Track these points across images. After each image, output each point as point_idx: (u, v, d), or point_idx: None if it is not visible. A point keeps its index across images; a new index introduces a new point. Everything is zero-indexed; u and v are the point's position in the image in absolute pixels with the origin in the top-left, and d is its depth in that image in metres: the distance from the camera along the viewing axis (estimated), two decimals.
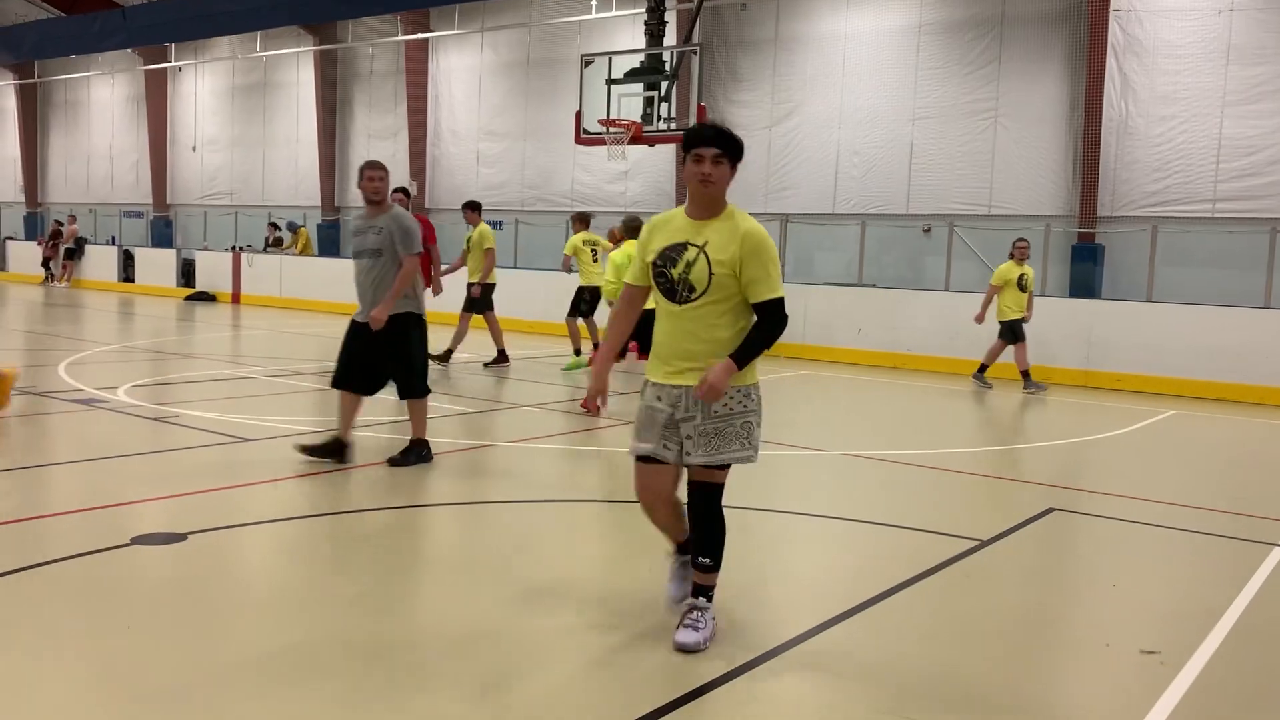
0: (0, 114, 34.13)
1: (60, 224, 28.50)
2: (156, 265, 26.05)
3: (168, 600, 4.51)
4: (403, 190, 13.04)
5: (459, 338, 12.97)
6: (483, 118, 23.26)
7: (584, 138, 14.96)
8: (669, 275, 3.98)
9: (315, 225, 25.76)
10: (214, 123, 28.85)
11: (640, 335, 11.94)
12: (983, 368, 13.14)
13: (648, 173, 20.61)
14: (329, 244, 25.10)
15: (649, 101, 14.48)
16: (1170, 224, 15.67)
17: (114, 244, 28.48)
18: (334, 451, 7.08)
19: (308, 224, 25.73)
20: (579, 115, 14.89)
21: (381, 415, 8.90)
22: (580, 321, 13.43)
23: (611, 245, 12.60)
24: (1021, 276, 12.77)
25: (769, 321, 3.97)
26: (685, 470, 4.13)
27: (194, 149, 29.33)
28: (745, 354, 3.93)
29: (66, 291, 25.93)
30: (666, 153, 19.58)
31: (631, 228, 11.49)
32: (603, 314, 13.01)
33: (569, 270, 13.30)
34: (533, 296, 17.55)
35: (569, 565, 5.33)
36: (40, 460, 7.43)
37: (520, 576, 5.01)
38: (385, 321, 6.93)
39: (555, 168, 21.78)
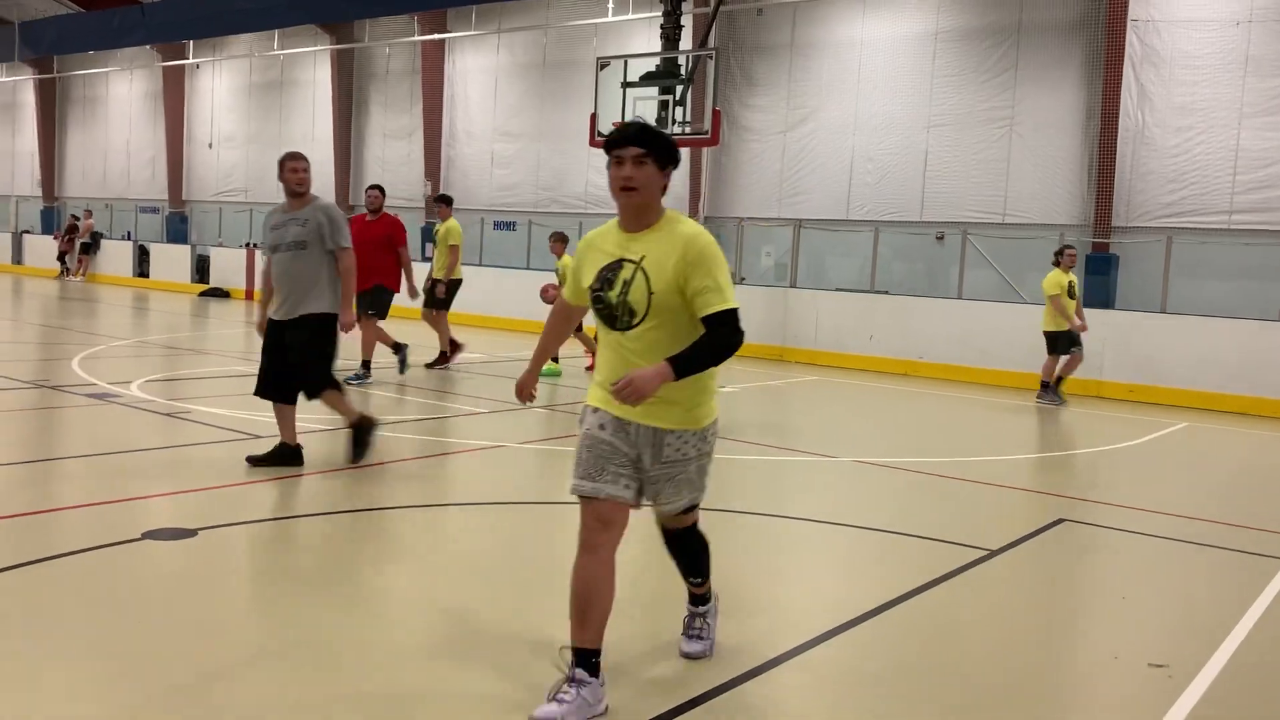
0: (19, 108, 34.36)
1: (76, 219, 28.66)
2: (171, 261, 26.19)
3: (178, 595, 4.53)
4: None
5: (442, 335, 12.58)
6: (498, 119, 23.31)
7: (598, 140, 14.90)
8: (606, 300, 3.46)
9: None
10: (230, 120, 28.98)
11: None
12: (1058, 382, 12.53)
13: None
14: None
15: (664, 105, 14.47)
16: (1186, 235, 15.60)
17: (129, 239, 28.63)
18: (286, 459, 6.85)
19: None
20: (594, 118, 14.90)
21: (409, 414, 8.91)
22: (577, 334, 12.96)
23: None
24: (1070, 284, 12.38)
25: (721, 335, 3.36)
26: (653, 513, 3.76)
27: (210, 146, 29.48)
28: (687, 364, 3.30)
29: (81, 286, 26.07)
30: (681, 156, 19.57)
31: None
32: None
33: (549, 301, 11.78)
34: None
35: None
36: (53, 454, 7.47)
37: (529, 576, 5.02)
38: (355, 321, 6.81)
39: (569, 170, 21.81)
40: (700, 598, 4.04)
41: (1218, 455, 10.28)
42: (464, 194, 23.89)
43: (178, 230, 29.65)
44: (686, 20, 16.09)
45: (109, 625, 4.12)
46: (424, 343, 12.98)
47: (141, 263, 26.94)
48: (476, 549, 5.63)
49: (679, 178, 20.54)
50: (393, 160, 25.28)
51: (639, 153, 3.40)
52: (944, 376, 14.74)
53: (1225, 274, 15.39)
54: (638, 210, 3.45)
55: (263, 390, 6.86)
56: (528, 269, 19.97)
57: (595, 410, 3.56)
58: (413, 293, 11.63)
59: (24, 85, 33.38)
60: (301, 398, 6.89)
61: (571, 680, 3.37)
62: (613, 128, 3.51)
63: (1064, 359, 12.49)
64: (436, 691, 3.65)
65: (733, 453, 8.20)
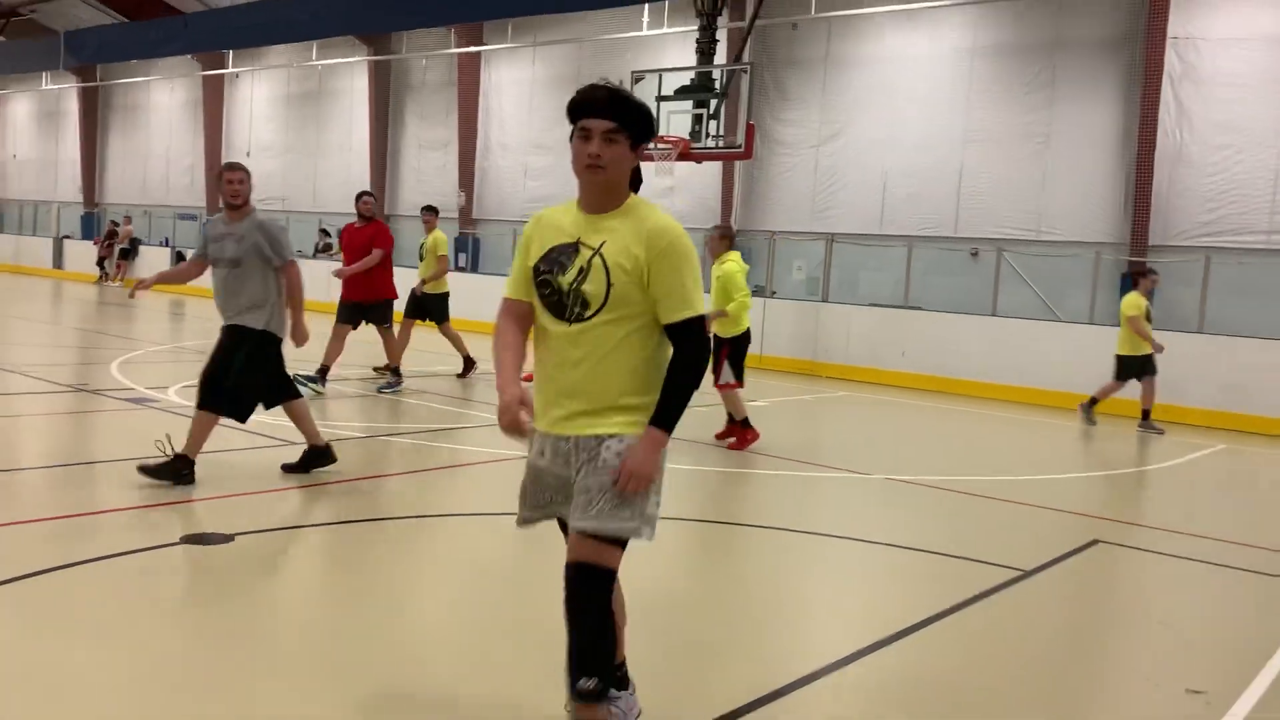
0: (63, 116, 34.93)
1: (116, 224, 29.09)
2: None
3: (214, 598, 4.59)
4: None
5: (457, 345, 12.52)
6: (532, 131, 23.45)
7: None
8: (555, 285, 3.02)
9: None
10: (268, 129, 29.33)
11: None
12: (1145, 414, 12.19)
13: (694, 189, 20.65)
14: None
15: (697, 119, 14.53)
16: (1224, 254, 15.43)
17: (167, 245, 28.99)
18: (317, 461, 6.83)
19: None
20: None
21: (450, 423, 8.97)
22: None
23: None
24: (1148, 309, 12.08)
25: (691, 352, 2.98)
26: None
27: (248, 154, 29.80)
28: (672, 410, 2.95)
29: (120, 291, 26.43)
30: (713, 170, 19.63)
31: (728, 235, 9.26)
32: None
33: None
34: None
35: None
36: (93, 458, 7.58)
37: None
38: (308, 336, 6.62)
39: None
40: (592, 693, 3.01)
41: (1256, 478, 10.15)
42: (497, 205, 24.03)
43: None
44: (722, 34, 16.12)
45: (147, 625, 4.17)
46: (441, 350, 12.96)
47: None
48: (512, 558, 5.65)
49: (710, 190, 20.72)
50: (428, 171, 25.47)
51: (610, 128, 2.95)
52: (977, 394, 14.64)
53: (1264, 294, 15.19)
54: (603, 190, 3.02)
55: (206, 403, 6.52)
56: None
57: (540, 435, 3.13)
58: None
59: (68, 94, 33.95)
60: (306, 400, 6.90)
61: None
62: (584, 88, 3.00)
63: (1130, 383, 12.05)
64: (474, 698, 3.67)
65: (764, 468, 8.19)
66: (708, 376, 8.11)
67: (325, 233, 25.96)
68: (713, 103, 14.54)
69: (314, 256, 25.25)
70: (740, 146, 14.47)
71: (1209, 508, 8.50)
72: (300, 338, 6.65)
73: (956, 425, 12.25)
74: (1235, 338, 13.66)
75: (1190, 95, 15.88)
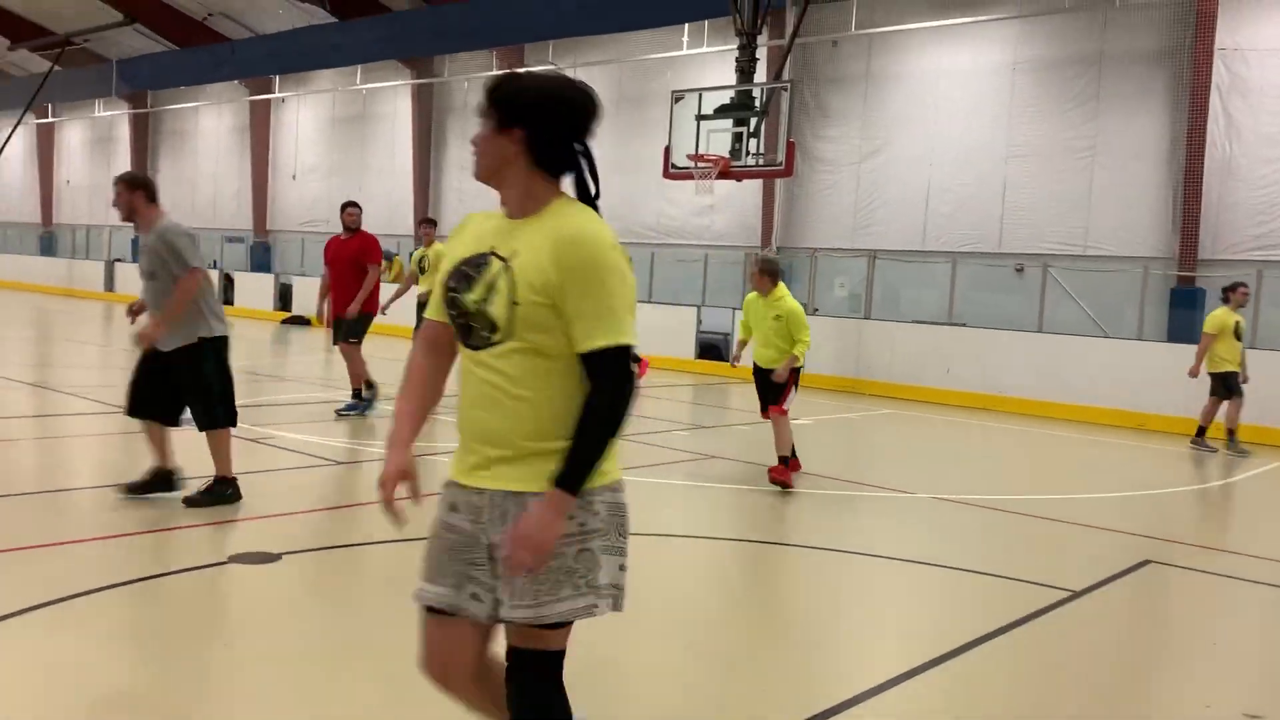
0: (115, 142, 35.71)
1: None
2: (255, 289, 26.90)
3: (263, 617, 4.64)
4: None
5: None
6: None
7: (672, 172, 15.09)
8: (461, 304, 2.46)
9: (409, 254, 26.36)
10: (314, 152, 29.79)
11: None
12: (1200, 430, 11.92)
13: (734, 207, 20.67)
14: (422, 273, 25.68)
15: (738, 137, 14.54)
16: (1276, 268, 15.15)
17: (215, 267, 29.46)
18: (159, 485, 6.57)
19: (401, 252, 26.34)
20: (667, 150, 15.02)
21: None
22: None
23: None
24: (1236, 324, 11.69)
25: (608, 390, 2.35)
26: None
27: (294, 177, 30.31)
28: (580, 466, 2.33)
29: None
30: (753, 188, 19.63)
31: (771, 271, 8.47)
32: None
33: None
34: None
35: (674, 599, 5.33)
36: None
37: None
38: (157, 338, 6.20)
39: (642, 200, 21.96)
40: None
41: None
42: None
43: (261, 259, 30.48)
44: (761, 53, 16.14)
45: (197, 644, 4.23)
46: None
47: (226, 291, 27.71)
48: None
49: (750, 208, 20.73)
50: (469, 192, 25.69)
51: (485, 116, 2.47)
52: (1023, 411, 14.46)
53: None
54: (504, 193, 2.50)
55: (135, 409, 6.47)
56: None
57: (449, 485, 2.56)
58: (351, 313, 10.77)
59: (119, 120, 34.71)
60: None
61: None
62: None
63: (1223, 402, 11.76)
64: None
65: (807, 487, 8.14)
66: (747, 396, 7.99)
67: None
68: (753, 121, 14.55)
69: None
70: (781, 164, 14.45)
71: (1265, 527, 8.31)
72: (145, 338, 6.23)
73: (1002, 443, 12.11)
74: None
75: (1239, 107, 15.65)
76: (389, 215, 27.38)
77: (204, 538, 5.82)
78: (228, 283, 27.78)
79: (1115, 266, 16.37)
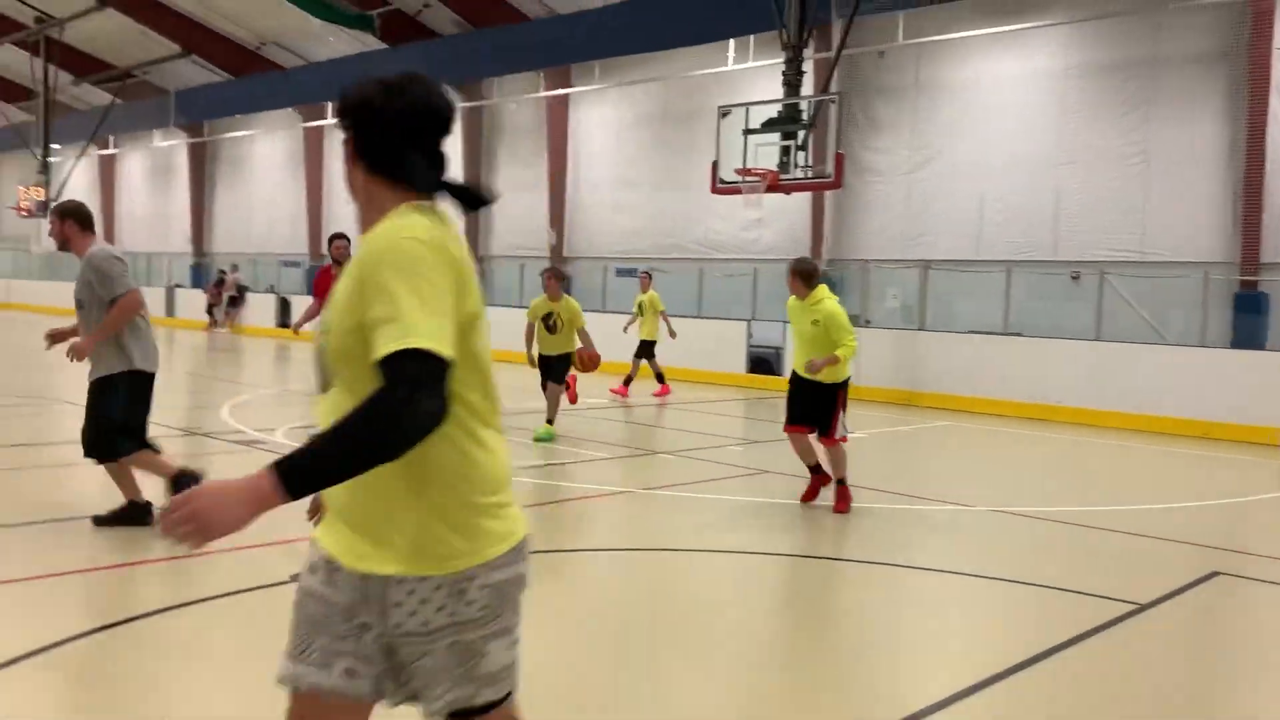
0: (173, 170, 36.56)
1: (224, 273, 30.29)
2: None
3: None
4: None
5: None
6: (619, 167, 23.72)
7: (720, 187, 15.11)
8: (320, 349, 2.16)
9: None
10: None
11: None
12: (1264, 435, 11.80)
13: (782, 220, 20.61)
14: None
15: (785, 150, 14.53)
16: None
17: (272, 292, 30.02)
18: (134, 518, 6.51)
19: None
20: (715, 165, 15.04)
21: (539, 459, 9.08)
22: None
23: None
24: None
25: (381, 397, 1.84)
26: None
27: (347, 201, 30.74)
28: (303, 464, 1.90)
29: (228, 337, 27.41)
30: (802, 200, 19.57)
31: (805, 272, 8.22)
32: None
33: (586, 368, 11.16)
34: (669, 344, 17.51)
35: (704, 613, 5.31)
36: None
37: (659, 627, 5.02)
38: (89, 351, 6.19)
39: (690, 216, 21.99)
40: None
41: None
42: (586, 242, 24.33)
43: None
44: (808, 66, 16.12)
45: (260, 661, 4.29)
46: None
47: (283, 314, 28.20)
48: (643, 593, 5.66)
49: (800, 220, 20.67)
50: (517, 212, 25.91)
51: (343, 131, 2.19)
52: (1081, 421, 14.22)
53: None
54: (360, 204, 2.21)
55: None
56: None
57: (312, 544, 2.22)
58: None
59: (178, 149, 35.52)
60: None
61: None
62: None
63: None
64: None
65: (864, 501, 8.07)
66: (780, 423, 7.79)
67: None
68: (801, 134, 14.53)
69: None
70: (830, 176, 14.41)
71: None
72: (79, 351, 6.22)
73: (1061, 453, 11.91)
74: None
75: None
76: None
77: (266, 558, 5.90)
78: (284, 306, 28.27)
79: (1174, 272, 16.06)
